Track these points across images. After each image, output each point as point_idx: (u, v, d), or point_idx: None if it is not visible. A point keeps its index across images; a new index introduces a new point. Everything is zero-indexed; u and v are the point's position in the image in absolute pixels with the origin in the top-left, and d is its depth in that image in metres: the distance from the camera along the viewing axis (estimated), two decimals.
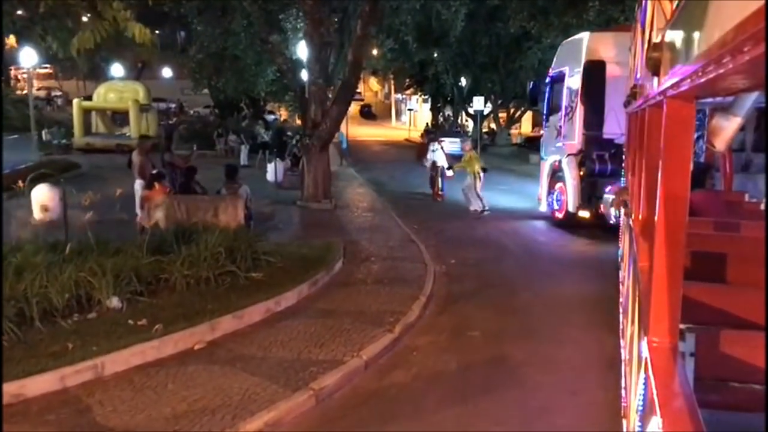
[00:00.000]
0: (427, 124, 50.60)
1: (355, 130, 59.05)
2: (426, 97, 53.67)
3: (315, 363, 5.91)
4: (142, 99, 32.17)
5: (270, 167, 15.70)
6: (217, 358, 6.00)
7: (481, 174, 15.24)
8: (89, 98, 34.20)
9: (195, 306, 6.97)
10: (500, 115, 42.54)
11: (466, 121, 48.23)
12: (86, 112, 32.04)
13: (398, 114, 71.47)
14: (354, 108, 78.43)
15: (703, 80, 1.61)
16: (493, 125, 44.41)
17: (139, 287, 7.04)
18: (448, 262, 10.63)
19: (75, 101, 32.08)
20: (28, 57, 29.76)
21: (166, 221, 10.42)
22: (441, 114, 50.84)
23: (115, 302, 6.72)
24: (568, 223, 13.11)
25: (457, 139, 35.35)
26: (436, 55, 39.22)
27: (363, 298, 8.03)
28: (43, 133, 30.97)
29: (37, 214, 11.50)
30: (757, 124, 8.13)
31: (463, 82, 42.07)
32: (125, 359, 5.71)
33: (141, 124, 31.71)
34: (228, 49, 25.08)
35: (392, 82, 64.44)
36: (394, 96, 71.32)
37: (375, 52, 45.59)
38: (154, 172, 10.90)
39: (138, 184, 11.17)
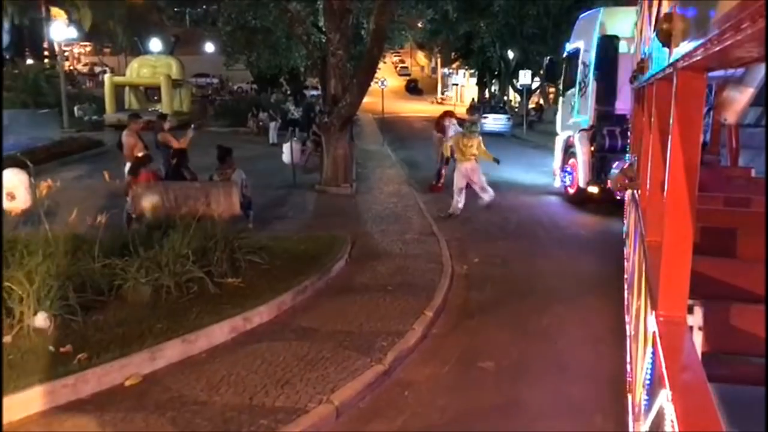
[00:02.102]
0: (473, 99, 48.61)
1: (399, 105, 57.50)
2: (472, 71, 51.70)
3: (269, 412, 4.56)
4: (175, 74, 31.29)
5: (286, 147, 14.36)
6: (148, 401, 4.71)
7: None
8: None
9: (142, 325, 5.70)
10: (549, 90, 40.23)
11: (514, 96, 46.08)
12: (119, 88, 31.35)
13: (444, 89, 69.28)
14: (399, 83, 76.97)
15: (717, 49, 1.58)
16: (541, 101, 42.20)
17: (76, 300, 5.78)
18: (470, 260, 9.15)
19: (106, 76, 31.40)
20: (58, 31, 29.18)
21: (154, 211, 9.24)
22: (487, 89, 48.77)
23: (40, 321, 5.48)
24: (579, 199, 12.94)
25: (502, 116, 33.54)
26: (482, 26, 37.24)
27: (357, 311, 6.64)
28: (75, 109, 30.42)
29: (5, 203, 10.42)
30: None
31: (511, 55, 39.98)
32: (23, 404, 4.46)
33: (174, 100, 30.97)
34: (257, 21, 23.69)
35: (438, 56, 62.32)
36: (441, 70, 69.12)
37: (420, 24, 43.93)
38: (140, 155, 9.68)
39: (128, 168, 9.98)
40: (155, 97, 31.64)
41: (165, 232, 7.47)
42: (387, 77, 72.46)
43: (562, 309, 7.04)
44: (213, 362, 5.37)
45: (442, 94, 67.98)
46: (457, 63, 53.55)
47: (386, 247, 9.50)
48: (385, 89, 43.76)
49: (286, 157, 14.37)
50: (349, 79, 13.71)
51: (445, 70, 66.52)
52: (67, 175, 14.33)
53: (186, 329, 5.64)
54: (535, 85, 39.41)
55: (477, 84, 51.03)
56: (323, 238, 9.20)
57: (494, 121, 32.06)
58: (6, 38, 50.56)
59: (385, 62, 37.98)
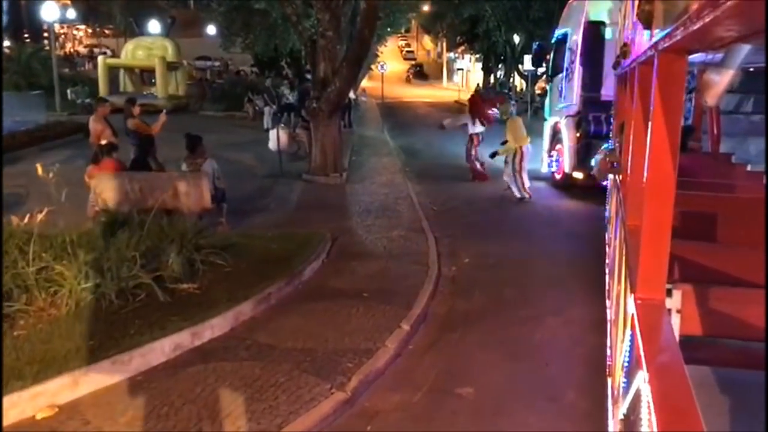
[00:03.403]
0: (477, 84, 47.59)
1: (403, 90, 56.44)
2: (478, 56, 50.64)
3: None
4: (170, 56, 30.44)
5: (272, 134, 13.57)
6: None
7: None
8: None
9: (70, 342, 4.97)
10: None
11: (520, 81, 45.02)
12: (114, 70, 30.56)
13: (450, 74, 68.12)
14: (404, 67, 75.77)
15: (696, 28, 1.59)
16: (547, 86, 41.16)
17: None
18: (460, 261, 8.39)
19: (100, 58, 30.62)
20: (49, 11, 28.37)
21: (117, 203, 8.51)
22: (493, 74, 47.72)
23: None
24: (565, 185, 12.89)
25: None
26: (487, 9, 36.22)
27: (324, 324, 5.89)
28: (68, 91, 29.65)
29: None
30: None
31: (516, 39, 38.92)
32: None
33: (170, 83, 30.15)
34: (252, 1, 22.82)
35: (444, 40, 61.13)
36: (446, 55, 67.94)
37: (426, 7, 42.89)
38: (103, 142, 8.91)
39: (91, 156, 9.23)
40: (149, 81, 30.85)
41: (120, 229, 6.76)
42: (391, 61, 71.81)
43: (556, 323, 6.26)
44: (146, 388, 4.63)
45: (450, 79, 66.79)
46: (462, 47, 52.46)
47: (370, 245, 8.75)
48: (390, 73, 42.89)
49: (272, 144, 13.61)
50: (340, 63, 12.89)
51: (451, 54, 65.37)
52: (46, 161, 13.57)
53: (121, 347, 4.91)
54: (540, 71, 38.40)
55: (482, 69, 49.94)
56: (300, 235, 8.44)
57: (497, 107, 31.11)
58: (4, 19, 49.85)
59: (386, 45, 37.03)
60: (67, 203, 9.32)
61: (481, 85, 45.63)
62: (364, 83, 48.97)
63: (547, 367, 5.33)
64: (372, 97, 43.95)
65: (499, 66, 47.37)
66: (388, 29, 34.61)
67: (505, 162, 12.30)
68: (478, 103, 14.38)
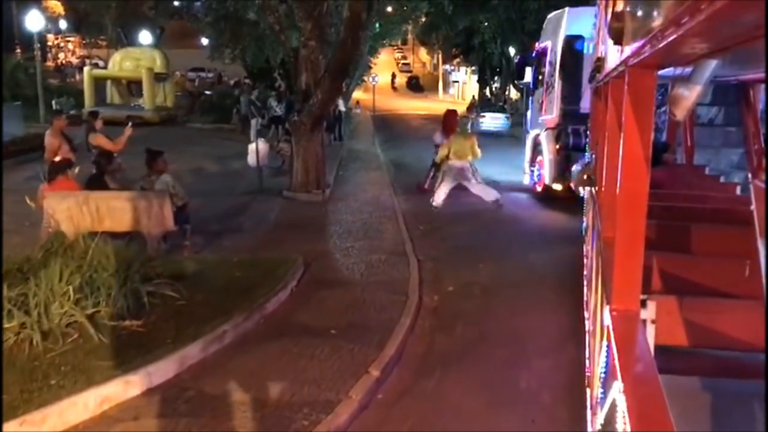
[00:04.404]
0: (473, 97, 47.06)
1: (398, 102, 55.89)
2: (474, 68, 50.19)
3: None
4: (158, 67, 29.77)
5: (251, 148, 12.88)
6: None
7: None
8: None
9: None
10: None
11: (517, 94, 44.48)
12: (100, 81, 29.90)
13: (446, 86, 67.63)
14: (400, 79, 75.28)
15: (663, 45, 1.65)
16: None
17: None
18: (444, 288, 7.70)
19: (86, 69, 29.97)
20: (34, 21, 27.79)
21: (72, 227, 7.83)
22: (488, 87, 47.18)
23: None
24: (546, 196, 13.04)
25: (501, 115, 31.94)
26: (482, 21, 35.73)
27: (282, 369, 5.17)
28: (53, 102, 28.97)
29: None
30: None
31: (512, 51, 38.39)
32: None
33: (158, 95, 29.49)
34: (239, 11, 22.17)
35: (439, 52, 60.67)
36: (442, 67, 67.50)
37: (417, 18, 42.37)
38: (57, 159, 8.22)
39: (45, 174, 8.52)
40: (137, 93, 30.18)
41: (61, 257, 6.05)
42: (387, 73, 71.25)
43: (544, 366, 5.55)
44: None
45: (446, 92, 66.25)
46: (457, 60, 52.04)
47: (346, 271, 8.05)
48: (384, 85, 42.34)
49: (251, 158, 12.91)
50: (322, 74, 12.23)
51: (447, 66, 64.93)
52: (17, 177, 12.91)
53: (35, 403, 4.20)
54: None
55: (478, 81, 49.44)
56: (270, 261, 7.73)
57: (492, 120, 30.48)
58: None
59: (378, 56, 36.44)
60: (27, 224, 8.76)
61: (476, 97, 45.13)
62: (359, 95, 48.42)
63: (534, 424, 4.61)
64: (366, 109, 43.40)
65: (495, 78, 46.87)
66: (382, 41, 34.09)
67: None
68: (448, 117, 13.89)
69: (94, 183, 8.13)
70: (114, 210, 7.93)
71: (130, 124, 9.71)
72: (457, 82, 61.01)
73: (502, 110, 33.80)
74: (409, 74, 77.70)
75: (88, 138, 9.34)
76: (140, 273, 6.08)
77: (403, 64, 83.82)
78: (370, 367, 5.22)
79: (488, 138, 24.31)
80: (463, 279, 8.09)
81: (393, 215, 11.48)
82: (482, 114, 30.81)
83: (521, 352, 5.80)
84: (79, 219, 7.87)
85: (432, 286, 7.77)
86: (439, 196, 12.21)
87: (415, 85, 72.08)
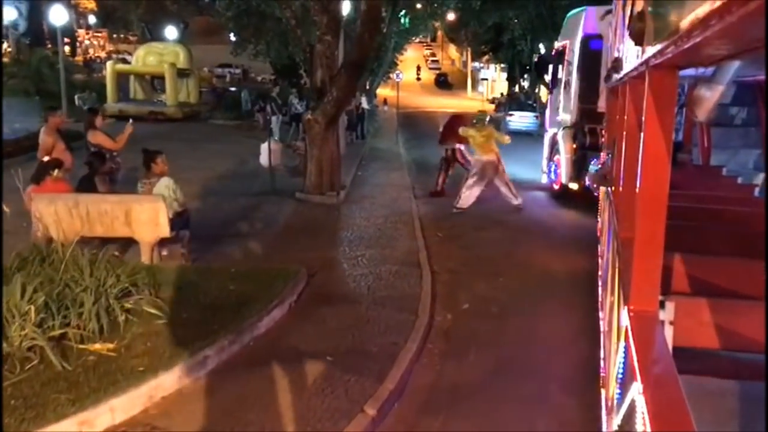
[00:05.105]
0: (501, 94, 46.13)
1: (425, 100, 55.11)
2: (503, 65, 49.25)
3: None
4: (181, 62, 29.40)
5: (263, 147, 12.30)
6: None
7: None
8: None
9: None
10: None
11: (546, 92, 43.46)
12: (124, 76, 29.64)
13: (475, 84, 66.63)
14: (428, 76, 74.42)
15: (687, 46, 1.64)
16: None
17: None
18: (458, 306, 7.03)
19: (108, 63, 29.70)
20: (58, 15, 27.58)
21: (62, 233, 7.32)
22: (518, 84, 46.18)
23: None
24: (562, 195, 13.06)
25: (529, 114, 31.06)
26: (511, 17, 34.80)
27: (266, 405, 4.53)
28: (76, 98, 28.79)
29: None
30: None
31: (542, 49, 37.39)
32: None
33: (181, 91, 29.15)
34: (261, 6, 21.65)
35: (468, 49, 59.72)
36: (471, 65, 66.51)
37: (451, 16, 41.59)
38: (45, 159, 7.70)
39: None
40: (160, 89, 29.90)
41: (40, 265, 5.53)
42: (414, 71, 70.39)
43: (571, 405, 4.84)
44: None
45: (474, 89, 65.22)
46: (486, 57, 51.09)
47: (352, 283, 7.41)
48: (412, 83, 41.64)
49: (263, 158, 12.33)
50: (338, 70, 11.61)
51: (476, 64, 63.94)
52: (26, 174, 12.52)
53: None
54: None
55: (507, 79, 48.48)
56: (269, 272, 7.12)
57: (520, 119, 29.63)
58: (23, 24, 49.56)
59: (403, 52, 35.72)
60: (25, 224, 8.26)
61: (504, 94, 44.22)
62: (387, 92, 47.80)
63: None
64: (393, 107, 42.79)
65: (525, 76, 45.88)
66: (409, 37, 33.39)
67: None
68: (450, 124, 13.26)
69: (84, 185, 7.60)
70: (105, 214, 7.40)
71: (130, 121, 9.19)
72: (486, 79, 60.02)
73: (531, 109, 32.89)
74: (437, 71, 76.81)
75: (87, 137, 8.80)
76: (120, 287, 5.50)
77: (432, 61, 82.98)
78: (366, 405, 4.56)
79: (516, 137, 23.50)
80: (480, 294, 7.41)
81: (410, 220, 10.82)
82: (510, 113, 29.94)
83: (542, 389, 5.09)
84: (69, 224, 7.37)
85: (446, 302, 7.11)
86: (467, 197, 11.62)
87: (443, 83, 71.18)
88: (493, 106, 41.55)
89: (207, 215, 10.00)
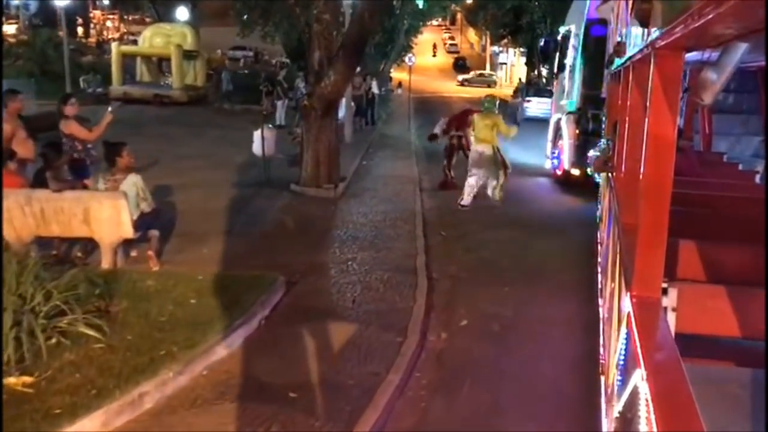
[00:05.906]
0: (520, 80, 44.86)
1: (441, 84, 53.92)
2: (522, 49, 47.94)
3: None
4: (189, 44, 28.57)
5: (256, 135, 11.42)
6: None
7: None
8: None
9: None
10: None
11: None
12: (129, 58, 28.88)
13: (493, 68, 65.20)
14: (447, 60, 73.02)
15: (695, 26, 1.59)
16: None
17: None
18: (456, 322, 6.15)
19: (114, 45, 28.94)
20: None
21: (15, 233, 6.57)
22: (536, 69, 44.88)
23: None
24: (564, 181, 12.93)
25: (548, 99, 29.84)
26: (530, 0, 33.65)
27: None
28: (81, 79, 28.10)
29: None
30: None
31: (562, 32, 36.19)
32: None
33: (188, 73, 28.33)
34: None
35: (488, 33, 58.31)
36: (490, 49, 65.07)
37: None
38: None
39: None
40: (167, 71, 29.10)
41: None
42: (432, 54, 68.95)
43: None
44: None
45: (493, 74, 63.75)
46: (506, 41, 49.80)
47: (336, 294, 6.55)
48: (429, 65, 40.54)
49: (255, 147, 11.46)
50: (335, 52, 10.70)
51: (495, 48, 62.52)
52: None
53: None
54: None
55: (526, 64, 47.17)
56: (242, 280, 6.30)
57: (538, 106, 28.40)
58: (34, 4, 49.02)
59: (418, 35, 34.61)
60: None
61: (523, 80, 42.97)
62: (403, 76, 46.69)
63: None
64: (407, 90, 41.72)
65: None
66: (424, 18, 32.31)
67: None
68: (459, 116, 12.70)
69: (37, 180, 6.80)
70: (61, 212, 6.62)
71: (110, 109, 8.33)
72: (505, 64, 58.62)
73: (550, 95, 31.70)
74: (456, 55, 75.36)
75: (60, 126, 7.96)
76: (52, 303, 4.68)
77: (451, 44, 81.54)
78: None
79: (534, 124, 22.57)
80: (482, 308, 6.52)
81: (411, 217, 9.94)
82: (528, 99, 28.80)
83: None
84: (22, 222, 6.62)
85: (442, 316, 6.24)
86: (467, 193, 10.68)
87: (461, 67, 69.66)
88: (510, 93, 40.31)
89: (191, 209, 9.20)
